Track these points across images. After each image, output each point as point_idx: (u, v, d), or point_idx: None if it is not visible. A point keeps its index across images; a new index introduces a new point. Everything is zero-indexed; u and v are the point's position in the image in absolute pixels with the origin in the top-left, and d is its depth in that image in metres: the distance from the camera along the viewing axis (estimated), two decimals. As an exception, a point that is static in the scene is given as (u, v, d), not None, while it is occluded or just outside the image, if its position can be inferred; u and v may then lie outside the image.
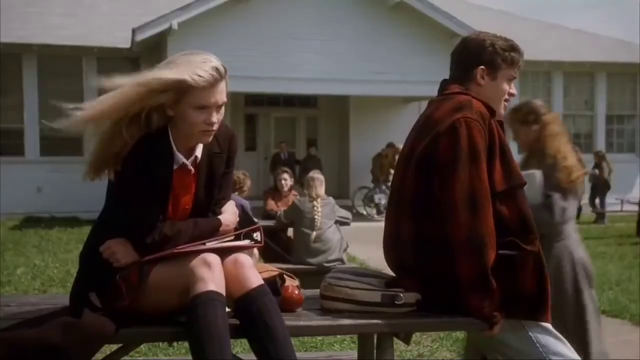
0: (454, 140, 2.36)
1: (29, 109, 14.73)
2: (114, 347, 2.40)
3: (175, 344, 4.35)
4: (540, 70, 17.02)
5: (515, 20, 19.91)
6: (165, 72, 2.23)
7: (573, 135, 17.76)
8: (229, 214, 2.46)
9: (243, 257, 2.32)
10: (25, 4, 16.12)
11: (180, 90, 2.22)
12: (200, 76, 2.21)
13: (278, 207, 7.44)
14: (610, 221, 14.55)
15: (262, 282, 2.29)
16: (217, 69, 2.25)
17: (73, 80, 14.98)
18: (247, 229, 2.45)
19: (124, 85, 2.27)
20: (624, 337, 5.29)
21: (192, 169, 2.36)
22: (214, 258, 2.23)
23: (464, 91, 2.51)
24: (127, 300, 2.24)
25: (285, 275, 2.54)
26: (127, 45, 14.16)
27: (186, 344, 4.53)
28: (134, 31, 13.01)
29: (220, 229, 2.40)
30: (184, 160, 2.34)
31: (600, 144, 17.69)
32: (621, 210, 15.80)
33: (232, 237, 2.39)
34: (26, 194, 14.21)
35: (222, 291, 2.20)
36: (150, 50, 14.36)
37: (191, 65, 2.23)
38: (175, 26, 12.65)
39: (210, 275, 2.18)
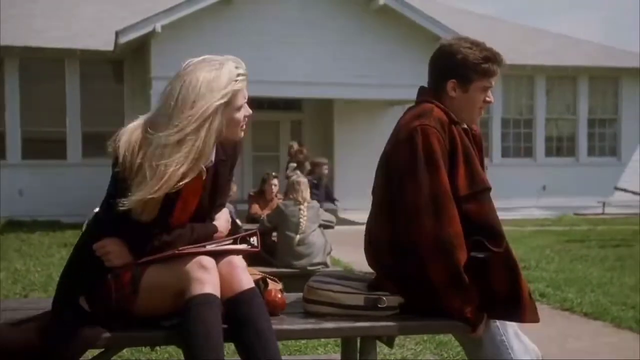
0: (411, 147, 2.41)
1: (11, 111, 14.60)
2: (96, 350, 2.39)
3: (157, 348, 4.32)
4: (523, 74, 17.13)
5: (499, 25, 20.04)
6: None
7: (556, 138, 17.94)
8: (222, 221, 2.48)
9: (237, 259, 2.34)
10: (7, 6, 15.99)
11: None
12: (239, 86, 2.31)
13: (262, 211, 7.44)
14: (592, 224, 14.66)
15: (253, 285, 2.30)
16: (241, 72, 2.32)
17: (55, 83, 14.89)
18: (244, 233, 2.47)
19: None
20: (605, 339, 5.33)
21: (205, 174, 2.36)
22: (209, 261, 2.24)
23: (430, 99, 2.55)
24: (115, 301, 2.24)
25: (268, 279, 2.54)
26: (111, 48, 14.08)
27: (169, 348, 4.51)
28: (117, 34, 12.95)
29: (215, 235, 2.41)
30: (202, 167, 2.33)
31: (583, 147, 17.84)
32: (603, 213, 15.94)
33: (230, 241, 2.41)
34: (7, 197, 14.08)
35: (218, 294, 2.20)
36: (134, 53, 14.30)
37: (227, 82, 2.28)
38: (158, 29, 12.61)
39: (208, 277, 2.19)
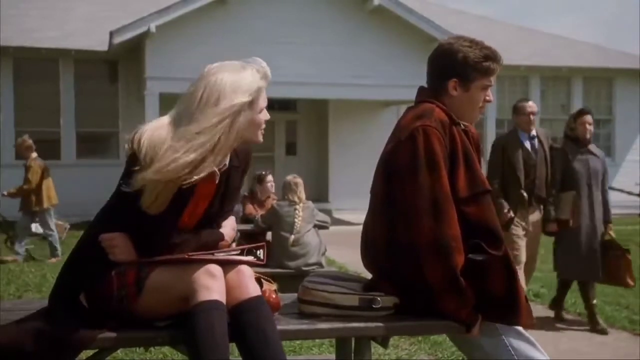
0: (412, 148, 2.41)
1: (5, 112, 14.55)
2: (90, 351, 2.38)
3: (152, 348, 4.32)
4: (518, 74, 17.18)
5: (494, 25, 20.08)
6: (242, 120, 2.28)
7: (551, 139, 17.99)
8: (228, 228, 2.49)
9: (244, 267, 2.36)
10: (1, 6, 15.95)
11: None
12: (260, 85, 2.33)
13: (257, 211, 7.43)
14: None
15: (260, 293, 2.32)
16: (264, 74, 2.36)
17: (49, 83, 14.85)
18: (251, 245, 2.48)
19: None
20: (598, 339, 5.34)
21: (217, 178, 2.37)
22: (217, 269, 2.25)
23: (430, 99, 2.55)
24: (116, 299, 2.25)
25: (262, 279, 2.54)
26: (105, 48, 14.06)
27: (163, 349, 4.50)
28: (111, 34, 12.92)
29: (220, 243, 2.42)
30: (215, 168, 2.33)
31: (577, 148, 17.89)
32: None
33: (238, 252, 2.43)
34: (2, 197, 14.01)
35: (224, 302, 2.22)
36: (128, 53, 14.27)
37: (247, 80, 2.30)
38: (153, 29, 12.59)
39: (215, 285, 2.21)
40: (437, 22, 14.04)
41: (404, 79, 12.99)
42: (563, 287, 6.01)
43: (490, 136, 17.27)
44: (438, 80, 2.57)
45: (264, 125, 2.40)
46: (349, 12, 13.83)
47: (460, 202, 2.41)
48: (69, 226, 11.34)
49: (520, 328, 2.48)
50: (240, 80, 2.28)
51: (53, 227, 9.78)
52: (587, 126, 5.66)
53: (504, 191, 5.40)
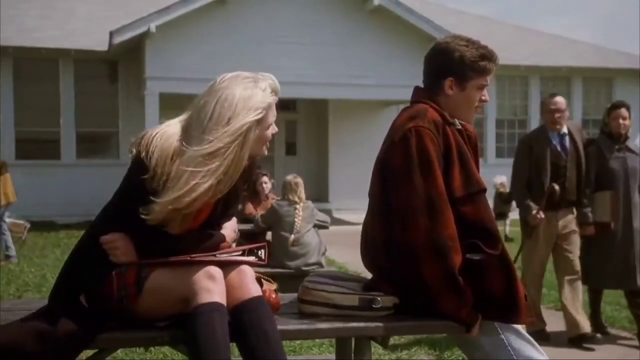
0: (406, 149, 2.41)
1: (5, 112, 14.56)
2: (90, 351, 2.38)
3: (152, 348, 4.32)
4: (518, 74, 17.19)
5: (494, 25, 20.08)
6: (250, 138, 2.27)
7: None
8: (229, 230, 2.49)
9: (246, 267, 2.36)
10: (1, 6, 15.96)
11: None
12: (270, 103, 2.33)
13: (257, 211, 7.43)
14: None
15: (260, 293, 2.32)
16: (274, 90, 2.36)
17: (49, 83, 14.86)
18: (253, 245, 2.49)
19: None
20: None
21: None
22: (217, 271, 2.25)
23: (424, 100, 2.55)
24: (116, 300, 2.25)
25: (262, 279, 2.54)
26: (105, 48, 14.06)
27: (163, 349, 4.50)
28: (111, 34, 12.93)
29: (222, 244, 2.43)
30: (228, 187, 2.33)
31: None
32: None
33: (240, 252, 2.44)
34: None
35: (225, 303, 2.22)
36: (128, 53, 14.28)
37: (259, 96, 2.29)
38: (153, 29, 12.59)
39: (215, 287, 2.21)
40: (437, 22, 14.05)
41: (404, 79, 12.97)
42: (597, 300, 5.49)
43: (490, 136, 17.29)
44: (434, 79, 2.57)
45: (269, 141, 2.40)
46: (349, 12, 13.84)
47: (456, 202, 2.41)
48: (28, 225, 11.21)
49: (519, 328, 2.49)
50: (252, 97, 2.26)
51: (6, 227, 9.46)
52: (621, 121, 5.09)
53: (530, 193, 5.04)
